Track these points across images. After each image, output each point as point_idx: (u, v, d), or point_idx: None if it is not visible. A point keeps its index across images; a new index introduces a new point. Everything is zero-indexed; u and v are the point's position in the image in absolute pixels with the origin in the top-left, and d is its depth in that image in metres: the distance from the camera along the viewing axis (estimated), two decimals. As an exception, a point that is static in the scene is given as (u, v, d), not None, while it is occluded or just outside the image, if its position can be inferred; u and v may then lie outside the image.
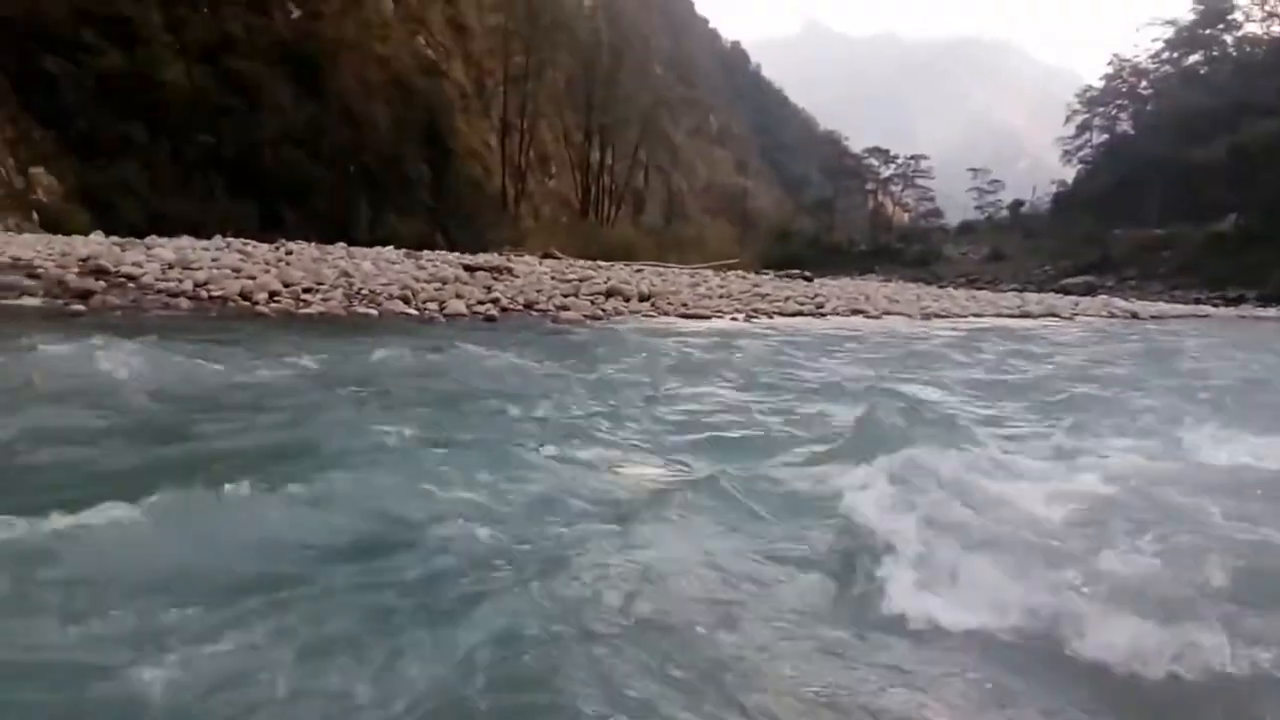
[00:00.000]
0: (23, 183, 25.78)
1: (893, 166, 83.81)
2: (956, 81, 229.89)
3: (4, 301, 10.09)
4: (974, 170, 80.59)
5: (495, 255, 27.21)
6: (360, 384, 6.05)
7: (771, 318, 16.90)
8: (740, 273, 33.57)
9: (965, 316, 21.62)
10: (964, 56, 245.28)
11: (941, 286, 42.22)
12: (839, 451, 4.42)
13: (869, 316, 19.16)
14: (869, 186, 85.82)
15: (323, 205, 32.86)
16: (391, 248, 25.56)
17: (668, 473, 4.18)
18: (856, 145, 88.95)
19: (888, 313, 20.27)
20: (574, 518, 3.38)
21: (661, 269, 29.80)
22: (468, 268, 18.51)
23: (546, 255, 30.94)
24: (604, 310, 14.88)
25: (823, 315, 18.59)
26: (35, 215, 25.11)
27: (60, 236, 18.99)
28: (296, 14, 34.02)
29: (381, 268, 16.77)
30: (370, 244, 27.50)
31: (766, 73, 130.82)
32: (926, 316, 20.54)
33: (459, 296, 13.71)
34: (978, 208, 78.87)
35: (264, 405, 5.17)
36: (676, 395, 6.54)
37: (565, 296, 15.55)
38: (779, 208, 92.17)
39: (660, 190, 69.52)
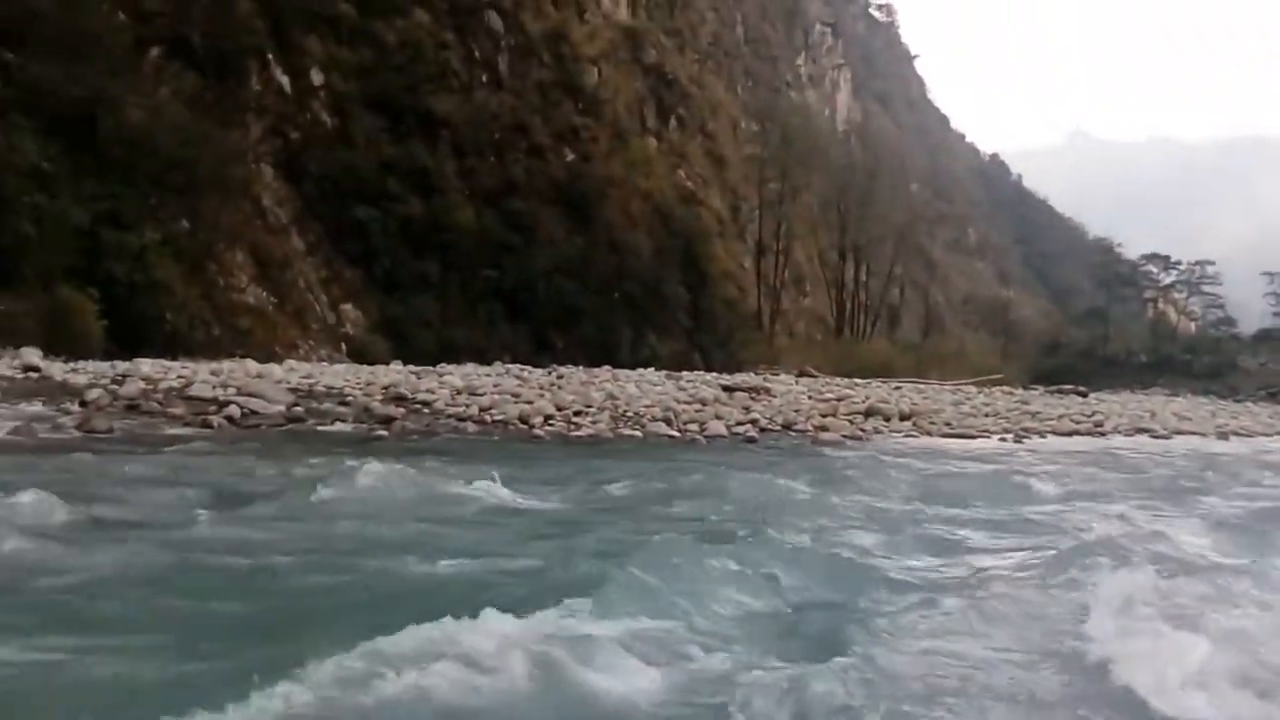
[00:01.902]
0: (333, 317, 29.15)
1: (1174, 273, 78.01)
2: (1243, 181, 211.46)
3: (321, 427, 11.35)
4: (1270, 274, 73.40)
5: (752, 375, 27.56)
6: (632, 506, 6.34)
7: (1044, 437, 16.00)
8: (1006, 388, 32.04)
9: (1271, 435, 19.47)
10: (1251, 155, 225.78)
11: (1238, 401, 38.24)
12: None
13: (1156, 436, 17.70)
14: (1147, 295, 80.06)
15: (589, 330, 34.80)
16: (653, 370, 26.58)
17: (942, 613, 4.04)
18: (1131, 252, 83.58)
19: (1178, 431, 18.65)
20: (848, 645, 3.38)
21: (921, 385, 29.02)
22: (726, 388, 18.88)
23: (802, 373, 31.00)
24: (864, 430, 14.68)
25: (1103, 434, 17.38)
26: (344, 346, 28.26)
27: (365, 366, 21.20)
28: (570, 157, 36.93)
29: (644, 389, 17.47)
30: (633, 365, 28.72)
31: (1029, 183, 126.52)
32: (1224, 435, 18.71)
33: (718, 418, 13.99)
34: (1276, 314, 71.43)
35: (544, 526, 5.55)
36: (948, 525, 6.36)
37: (824, 416, 15.49)
38: (1045, 319, 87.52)
39: (917, 305, 68.07)
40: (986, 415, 18.54)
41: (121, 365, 15.69)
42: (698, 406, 15.26)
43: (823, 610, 3.93)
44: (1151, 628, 3.46)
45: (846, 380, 27.72)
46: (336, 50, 30.98)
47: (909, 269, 63.18)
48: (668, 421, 13.46)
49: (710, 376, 24.94)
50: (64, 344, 18.64)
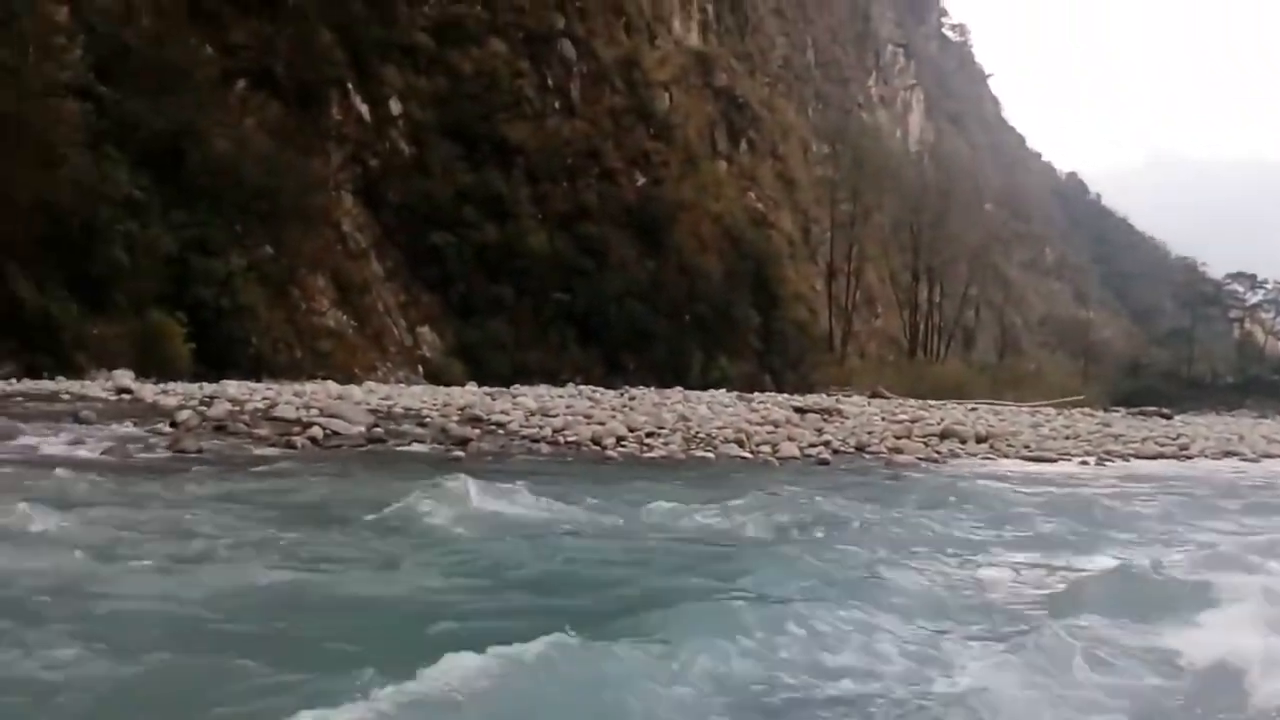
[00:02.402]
0: (411, 340, 29.75)
1: (1261, 292, 75.42)
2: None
3: (400, 448, 11.56)
4: (1361, 293, 70.49)
5: (824, 396, 27.36)
6: (714, 530, 6.33)
7: (1128, 460, 15.54)
8: (1086, 411, 31.22)
9: (1371, 460, 18.60)
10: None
11: (1335, 424, 36.61)
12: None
13: (1245, 459, 17.07)
14: (1233, 314, 77.44)
15: (660, 352, 34.90)
16: (724, 391, 26.56)
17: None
18: (1215, 271, 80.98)
19: (1267, 455, 17.95)
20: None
21: (998, 407, 28.45)
22: (798, 410, 18.76)
23: (874, 395, 30.66)
24: (939, 452, 14.43)
25: (1188, 458, 16.81)
26: (420, 368, 28.81)
27: (441, 388, 21.57)
28: (641, 181, 37.22)
29: (716, 411, 17.43)
30: (703, 387, 28.71)
31: (1108, 201, 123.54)
32: (1320, 460, 17.93)
33: (791, 439, 13.89)
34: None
35: (618, 550, 5.58)
36: (1045, 550, 6.23)
37: (898, 438, 15.27)
38: (1126, 340, 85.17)
39: (993, 325, 66.82)
40: (1067, 438, 18.09)
41: (209, 387, 16.22)
42: (770, 428, 15.18)
43: (941, 637, 3.84)
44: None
45: (920, 402, 27.30)
46: (414, 80, 31.78)
47: (984, 289, 62.13)
48: (740, 443, 13.41)
49: (782, 398, 24.82)
50: (154, 366, 19.38)
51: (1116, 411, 32.26)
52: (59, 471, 7.16)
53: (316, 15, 28.55)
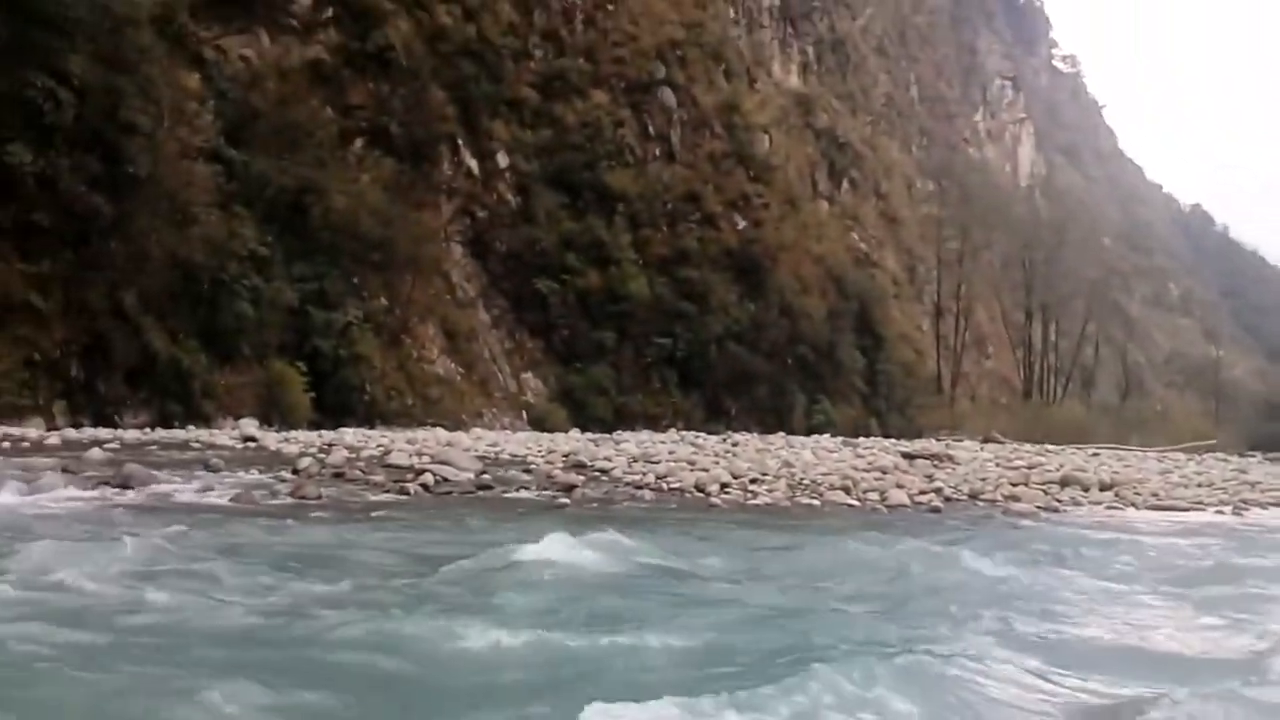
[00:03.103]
0: (516, 386, 30.31)
1: None
2: None
3: (507, 494, 11.75)
4: None
5: (933, 441, 26.70)
6: (814, 579, 6.25)
7: (1266, 509, 14.67)
8: (1218, 455, 29.66)
9: None
10: None
11: None
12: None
13: (1398, 508, 15.92)
14: (1382, 351, 72.73)
15: (762, 395, 34.73)
16: (828, 436, 26.21)
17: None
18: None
19: None
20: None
21: (1121, 452, 27.27)
22: (906, 455, 18.33)
23: (987, 439, 29.79)
24: (1059, 501, 13.89)
25: (1335, 507, 15.78)
26: (525, 414, 29.30)
27: (546, 434, 21.88)
28: (742, 224, 37.34)
29: (820, 456, 17.19)
30: (807, 431, 28.41)
31: (1236, 233, 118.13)
32: None
33: (900, 486, 13.58)
34: None
35: (734, 600, 5.55)
36: (1195, 608, 5.94)
37: (1014, 485, 14.76)
38: (1262, 379, 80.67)
39: (1113, 365, 64.24)
40: (1199, 485, 17.18)
41: (327, 434, 16.83)
42: (877, 474, 14.86)
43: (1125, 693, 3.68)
44: None
45: (1037, 446, 26.40)
46: (520, 133, 32.71)
47: (1103, 327, 59.86)
48: (846, 490, 13.18)
49: (889, 443, 24.33)
50: (277, 414, 20.24)
51: (1252, 456, 30.52)
52: (192, 517, 7.53)
53: (429, 75, 29.72)
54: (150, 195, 19.32)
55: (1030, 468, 17.42)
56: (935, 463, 17.34)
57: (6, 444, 13.16)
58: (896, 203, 54.86)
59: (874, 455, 18.08)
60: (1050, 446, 26.66)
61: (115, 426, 17.42)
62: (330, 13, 28.02)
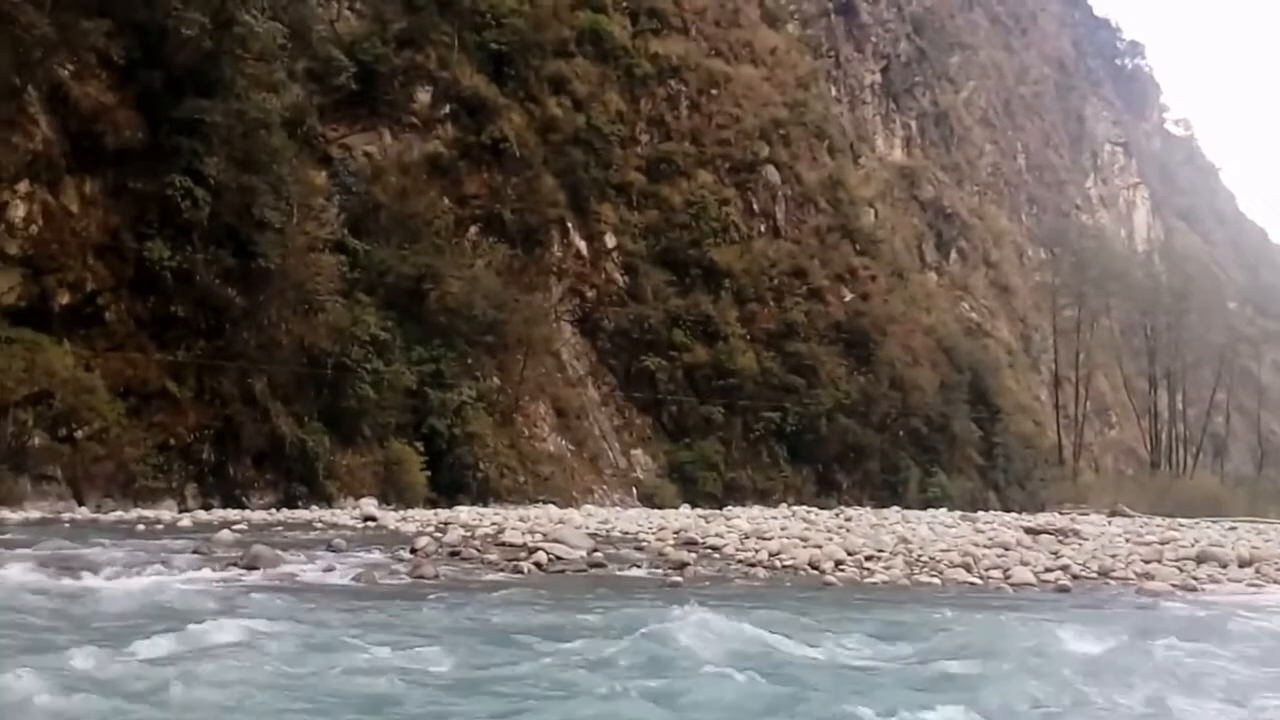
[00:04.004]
0: (625, 462, 30.50)
1: None
2: None
3: (619, 572, 11.78)
4: None
5: (1056, 515, 25.71)
6: (947, 662, 6.07)
7: None
8: (1374, 529, 27.63)
9: None
10: None
11: None
12: None
13: None
14: None
15: (874, 468, 34.10)
16: (944, 510, 25.51)
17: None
18: None
19: None
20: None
21: (1260, 526, 25.67)
22: (1029, 530, 17.68)
23: (1114, 513, 28.46)
24: (1196, 578, 13.14)
25: None
26: (634, 490, 29.40)
27: (656, 510, 21.92)
28: (849, 297, 37.17)
29: (938, 532, 16.72)
30: (922, 505, 27.70)
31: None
32: None
33: (1024, 563, 13.09)
34: None
35: (853, 685, 5.45)
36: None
37: (1146, 562, 14.04)
38: None
39: (1247, 434, 60.83)
40: (1350, 561, 16.06)
41: (443, 512, 17.24)
42: (999, 551, 14.36)
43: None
44: None
45: (1168, 520, 25.06)
46: (628, 214, 33.50)
47: (1234, 394, 56.91)
48: (967, 567, 12.76)
49: (1009, 517, 23.51)
50: (395, 493, 20.84)
51: None
52: (316, 597, 7.80)
53: (540, 163, 30.88)
54: (279, 286, 20.41)
55: (1163, 543, 16.56)
56: (1060, 538, 16.67)
57: (142, 526, 13.89)
58: (1008, 271, 53.82)
59: (994, 530, 17.49)
60: (1182, 520, 25.28)
61: (243, 507, 18.20)
62: (447, 109, 29.53)
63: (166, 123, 18.87)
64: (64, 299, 17.86)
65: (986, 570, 12.63)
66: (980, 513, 25.46)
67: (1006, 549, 14.61)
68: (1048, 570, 12.82)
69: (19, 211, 17.51)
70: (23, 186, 17.54)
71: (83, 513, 16.01)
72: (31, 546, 10.13)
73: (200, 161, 18.99)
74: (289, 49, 21.58)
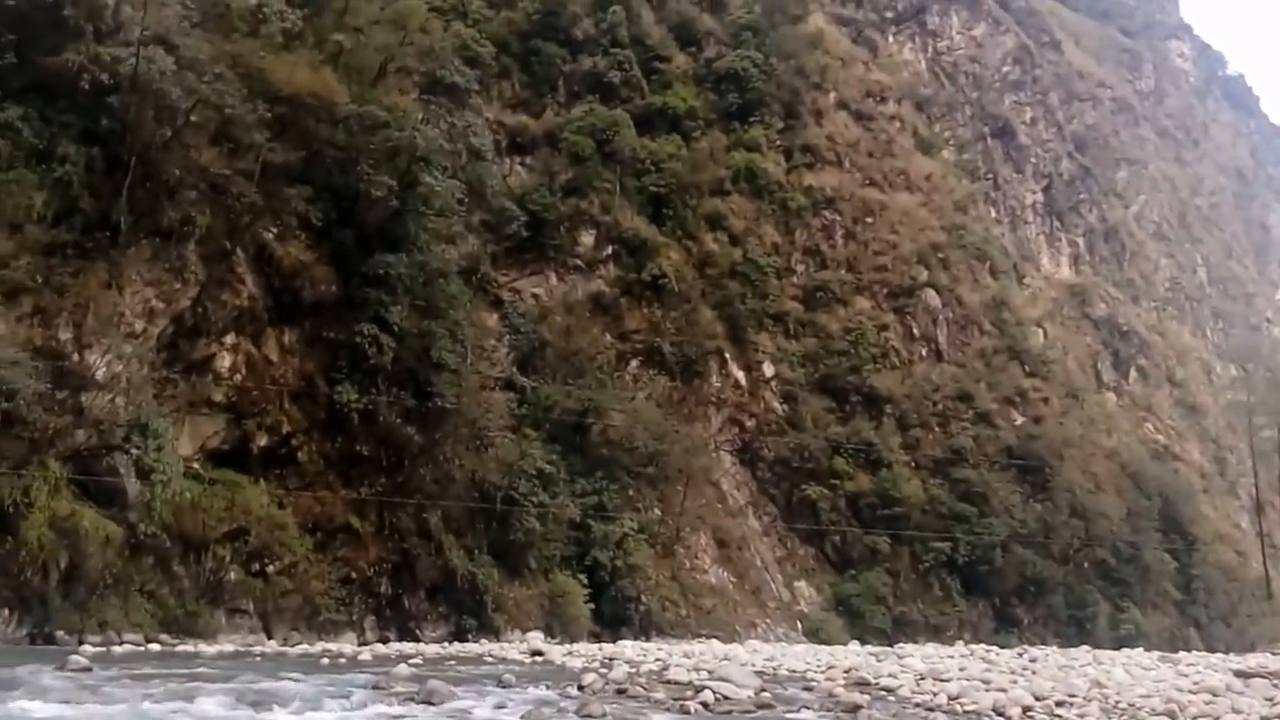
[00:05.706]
0: (788, 595, 29.80)
1: None
2: None
3: (789, 714, 11.45)
4: None
5: (1268, 655, 23.42)
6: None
7: None
8: None
9: None
10: None
11: None
12: None
13: None
14: None
15: (1057, 603, 32.11)
16: (1140, 649, 23.68)
17: None
18: None
19: None
20: None
21: None
22: (1239, 673, 16.21)
23: (1339, 655, 25.65)
24: None
25: None
26: (799, 624, 28.60)
27: (824, 646, 21.25)
28: (1019, 420, 35.79)
29: (1135, 675, 15.55)
30: (1113, 644, 25.82)
31: None
32: None
33: (1236, 711, 11.98)
34: None
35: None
36: None
37: (1379, 715, 12.61)
38: None
39: None
40: None
41: (607, 647, 17.28)
42: (1207, 697, 13.18)
43: None
44: None
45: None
46: (785, 343, 33.74)
47: None
48: (1172, 715, 11.79)
49: (1215, 658, 21.65)
50: (559, 625, 21.06)
51: None
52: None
53: (698, 297, 31.75)
54: (454, 423, 21.47)
55: (1399, 692, 14.84)
56: (1276, 682, 15.20)
57: (325, 660, 14.54)
58: (1195, 390, 50.68)
59: (1199, 674, 16.13)
60: None
61: (417, 640, 18.78)
62: (609, 250, 31.03)
63: (357, 276, 20.52)
64: (262, 441, 19.32)
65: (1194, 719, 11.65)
66: (1181, 653, 23.46)
67: (1215, 695, 13.45)
68: (1263, 721, 11.72)
69: (225, 362, 19.24)
70: (229, 339, 19.33)
71: (271, 645, 16.89)
72: (227, 680, 10.78)
73: (386, 310, 20.46)
74: (466, 203, 23.25)
